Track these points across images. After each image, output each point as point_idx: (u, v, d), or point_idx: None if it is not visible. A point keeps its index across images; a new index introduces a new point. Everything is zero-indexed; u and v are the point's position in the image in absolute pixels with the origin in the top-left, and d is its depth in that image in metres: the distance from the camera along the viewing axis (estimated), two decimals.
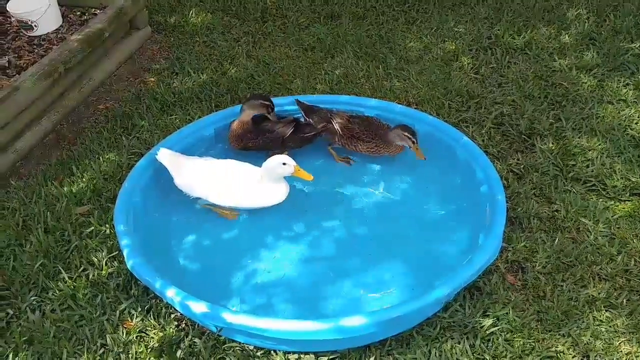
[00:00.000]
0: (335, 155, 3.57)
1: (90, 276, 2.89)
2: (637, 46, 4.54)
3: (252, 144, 3.46)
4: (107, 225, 3.13)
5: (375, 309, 2.70)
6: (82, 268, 2.93)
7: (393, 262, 2.97)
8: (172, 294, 2.53)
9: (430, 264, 2.96)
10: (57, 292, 2.83)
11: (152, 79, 4.35)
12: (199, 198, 3.19)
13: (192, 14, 5.03)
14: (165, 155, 3.15)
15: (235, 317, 2.44)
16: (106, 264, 2.94)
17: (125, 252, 2.73)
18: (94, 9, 4.54)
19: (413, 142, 3.34)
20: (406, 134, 3.35)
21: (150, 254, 2.79)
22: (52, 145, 3.81)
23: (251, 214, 3.22)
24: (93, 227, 3.11)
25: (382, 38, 4.78)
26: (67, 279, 2.88)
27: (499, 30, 4.79)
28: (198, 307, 2.48)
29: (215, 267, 2.93)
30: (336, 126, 3.47)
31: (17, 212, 3.22)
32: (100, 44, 4.20)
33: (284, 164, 3.06)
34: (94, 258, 2.97)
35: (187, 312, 2.56)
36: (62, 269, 2.92)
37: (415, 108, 3.96)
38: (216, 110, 4.00)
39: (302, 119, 3.61)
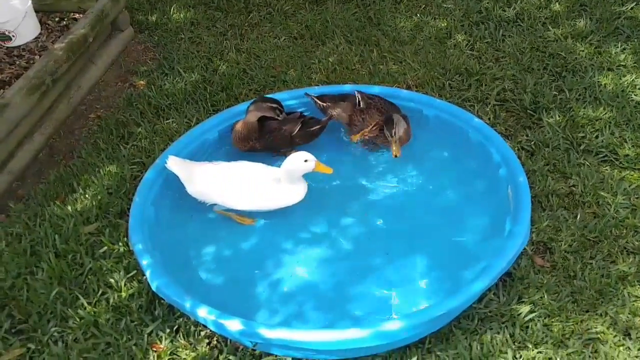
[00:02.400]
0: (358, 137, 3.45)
1: (111, 300, 2.77)
2: (628, 9, 4.50)
3: (259, 145, 3.34)
4: (119, 244, 3.01)
5: (409, 308, 2.65)
6: (100, 292, 2.81)
7: (418, 255, 2.90)
8: (204, 314, 2.43)
9: (456, 254, 2.90)
10: (78, 320, 2.71)
11: (142, 82, 4.19)
12: (215, 205, 3.08)
13: (173, 10, 4.85)
14: (174, 163, 3.03)
15: (273, 332, 2.36)
16: (125, 285, 2.83)
17: (147, 273, 2.62)
18: (72, 14, 4.34)
19: (391, 135, 3.19)
20: (385, 127, 3.21)
21: (172, 272, 2.69)
22: (46, 161, 3.64)
23: (267, 218, 3.12)
24: (106, 247, 2.98)
25: (371, 20, 4.67)
26: (86, 305, 2.76)
27: (488, 3, 4.70)
28: (233, 325, 2.39)
29: (239, 278, 2.83)
30: (357, 95, 3.38)
31: (22, 238, 3.07)
32: (85, 50, 4.02)
33: (305, 160, 2.97)
34: (111, 280, 2.85)
35: (222, 330, 2.47)
36: (79, 295, 2.79)
37: (416, 91, 3.89)
38: (213, 110, 3.88)
39: (308, 113, 3.51)
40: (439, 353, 2.57)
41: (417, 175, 3.30)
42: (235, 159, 3.24)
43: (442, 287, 2.74)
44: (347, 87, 3.65)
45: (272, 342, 2.39)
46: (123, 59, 4.45)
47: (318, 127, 3.42)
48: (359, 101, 3.39)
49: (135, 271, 2.87)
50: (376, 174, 3.35)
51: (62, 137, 3.82)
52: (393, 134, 3.14)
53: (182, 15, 4.81)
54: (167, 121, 3.81)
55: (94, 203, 3.25)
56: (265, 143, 3.37)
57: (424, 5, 4.77)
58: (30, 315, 2.73)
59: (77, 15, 4.34)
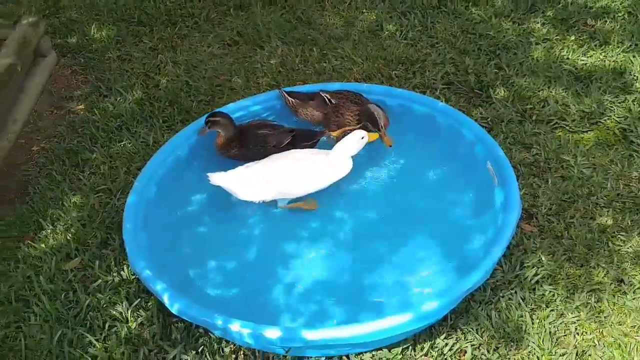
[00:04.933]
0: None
1: (121, 333, 2.61)
2: None
3: (239, 153, 3.27)
4: (113, 274, 2.84)
5: (429, 288, 2.71)
6: (107, 326, 2.63)
7: (418, 237, 2.95)
8: (237, 328, 2.35)
9: (455, 231, 2.97)
10: (91, 359, 2.53)
11: (81, 107, 3.96)
12: (279, 201, 3.10)
13: (93, 30, 4.61)
14: (219, 178, 3.01)
15: (317, 334, 2.33)
16: (132, 315, 2.67)
17: (165, 298, 2.49)
18: None
19: (379, 129, 3.29)
20: (369, 125, 3.30)
21: (185, 291, 2.58)
22: None
23: (260, 224, 3.06)
24: (100, 280, 2.80)
25: (301, 20, 4.69)
26: (95, 342, 2.58)
27: None
28: (273, 334, 2.33)
29: (250, 288, 2.75)
30: (324, 95, 3.42)
31: None
32: (14, 80, 3.74)
33: (362, 137, 3.14)
34: (114, 312, 2.68)
35: (257, 341, 2.40)
36: (85, 333, 2.60)
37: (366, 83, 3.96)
38: (166, 127, 3.75)
39: (273, 117, 3.48)
40: (462, 327, 2.64)
41: (395, 162, 3.35)
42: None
43: (452, 264, 2.81)
44: (307, 87, 3.66)
45: (312, 343, 2.35)
46: (51, 86, 4.18)
47: (315, 140, 3.39)
48: (329, 99, 3.40)
49: (138, 299, 2.72)
50: (356, 165, 3.36)
51: (8, 174, 3.53)
52: (381, 128, 3.20)
53: (104, 34, 4.59)
54: (122, 143, 3.63)
55: (68, 237, 3.04)
56: (247, 153, 3.28)
57: (348, 1, 4.85)
58: None
59: None
